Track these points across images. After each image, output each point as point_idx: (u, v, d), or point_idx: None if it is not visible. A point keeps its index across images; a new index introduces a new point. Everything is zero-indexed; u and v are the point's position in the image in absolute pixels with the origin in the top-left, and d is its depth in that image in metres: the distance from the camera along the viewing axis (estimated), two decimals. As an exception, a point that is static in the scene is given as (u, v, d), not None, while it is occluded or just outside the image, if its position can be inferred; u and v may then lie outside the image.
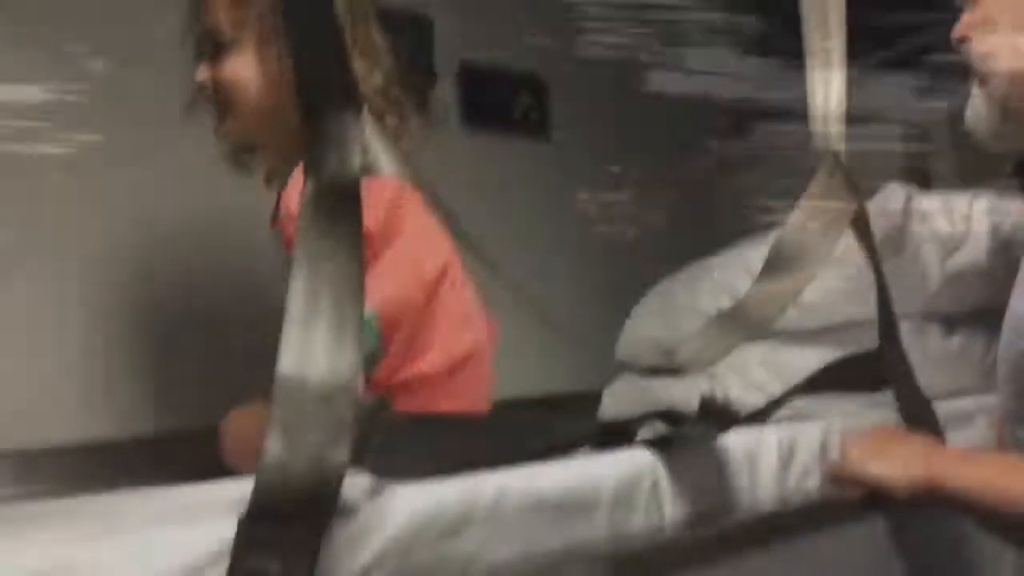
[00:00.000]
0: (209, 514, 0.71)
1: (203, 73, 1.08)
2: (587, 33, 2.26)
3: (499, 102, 2.12)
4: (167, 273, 1.59)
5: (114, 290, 1.54)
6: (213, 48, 1.09)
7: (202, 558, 0.63)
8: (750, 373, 1.52)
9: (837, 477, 1.01)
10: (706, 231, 2.42)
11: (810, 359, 1.36)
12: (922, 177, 2.04)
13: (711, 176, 2.56)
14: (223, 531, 0.64)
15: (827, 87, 1.12)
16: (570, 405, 1.51)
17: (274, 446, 0.66)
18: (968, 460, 0.94)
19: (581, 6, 2.25)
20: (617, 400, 1.64)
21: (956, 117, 2.00)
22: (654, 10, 2.24)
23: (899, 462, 0.96)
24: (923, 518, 1.11)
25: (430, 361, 1.07)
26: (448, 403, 1.09)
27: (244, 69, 1.08)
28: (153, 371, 1.55)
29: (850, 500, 1.01)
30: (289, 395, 0.68)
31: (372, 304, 1.03)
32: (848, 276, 1.35)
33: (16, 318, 1.44)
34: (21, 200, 1.45)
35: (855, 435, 1.05)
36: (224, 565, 0.63)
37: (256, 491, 0.65)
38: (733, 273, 1.58)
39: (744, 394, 1.52)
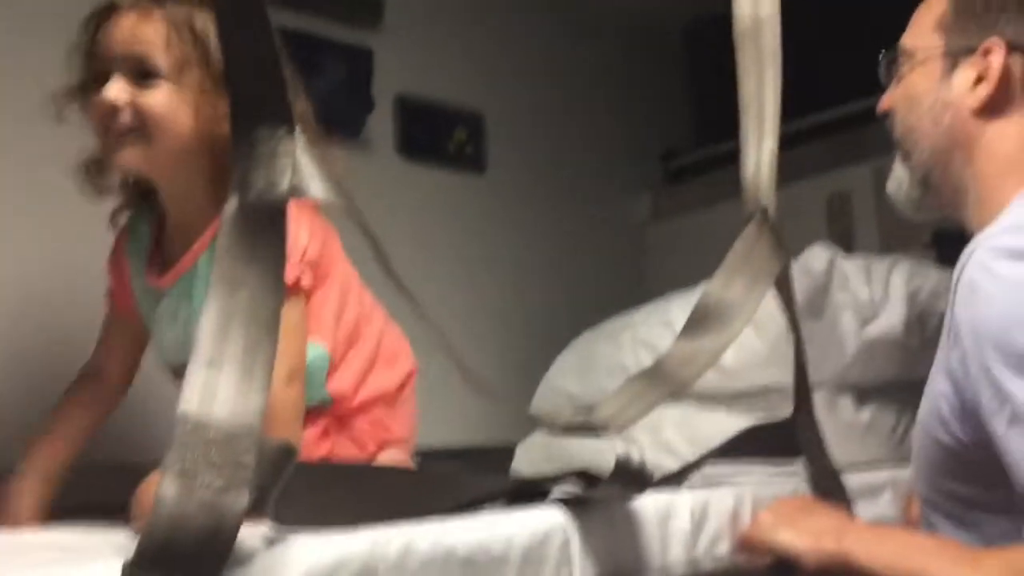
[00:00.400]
0: (97, 557, 0.67)
1: (121, 93, 1.03)
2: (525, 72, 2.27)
3: (435, 134, 2.11)
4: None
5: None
6: (133, 73, 1.04)
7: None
8: (663, 434, 1.51)
9: (747, 544, 1.01)
10: (635, 282, 2.44)
11: (723, 424, 1.35)
12: (845, 243, 2.08)
13: (644, 224, 2.58)
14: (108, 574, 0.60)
15: (760, 144, 1.12)
16: (485, 458, 1.49)
17: (168, 489, 0.62)
18: (879, 537, 0.94)
19: (521, 43, 2.26)
20: (531, 456, 1.62)
21: (879, 184, 2.06)
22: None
23: (809, 533, 0.96)
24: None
25: (385, 378, 1.18)
26: (397, 425, 1.18)
27: (180, 105, 1.04)
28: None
29: (759, 567, 1.01)
30: (187, 436, 0.64)
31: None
32: (768, 340, 1.36)
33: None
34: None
35: (767, 503, 1.04)
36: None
37: (145, 535, 0.61)
38: (655, 329, 1.58)
39: (655, 455, 1.52)
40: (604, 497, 0.89)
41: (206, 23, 1.04)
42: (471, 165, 2.16)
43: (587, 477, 0.90)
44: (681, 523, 0.96)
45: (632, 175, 2.54)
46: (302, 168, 0.75)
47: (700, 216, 2.35)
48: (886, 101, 1.14)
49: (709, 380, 1.44)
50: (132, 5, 1.07)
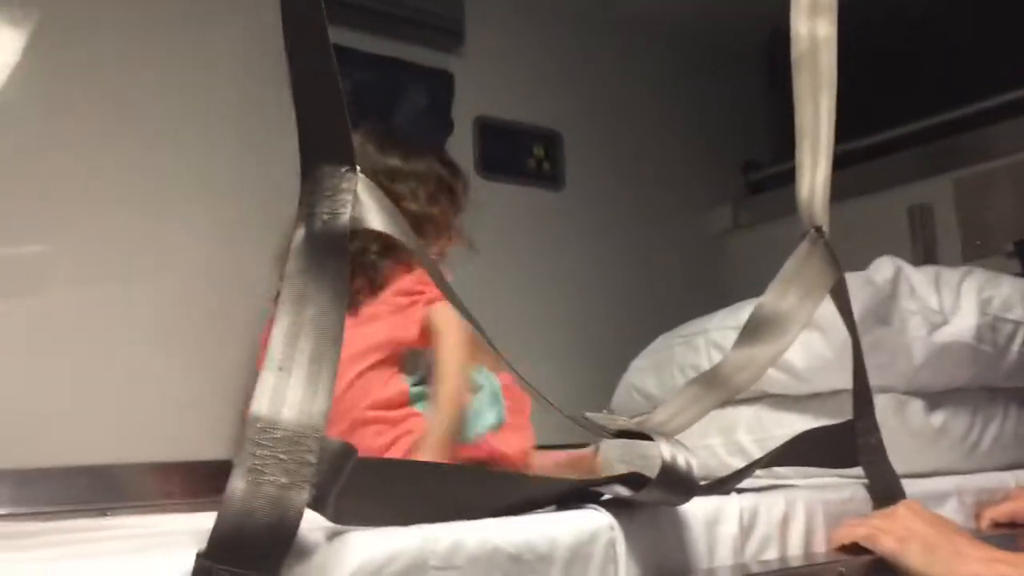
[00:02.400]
0: (175, 545, 0.75)
1: None
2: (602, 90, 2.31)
3: (514, 153, 2.18)
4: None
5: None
6: None
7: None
8: (735, 435, 1.54)
9: (846, 546, 1.02)
10: (716, 292, 2.46)
11: (795, 426, 1.37)
12: (928, 253, 2.06)
13: (725, 235, 2.60)
14: (184, 563, 0.68)
15: (814, 164, 1.15)
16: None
17: (238, 484, 0.69)
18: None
19: (598, 61, 2.31)
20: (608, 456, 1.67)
21: (960, 195, 2.03)
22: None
23: (956, 560, 0.95)
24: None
25: (517, 444, 1.26)
26: None
27: None
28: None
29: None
30: (257, 435, 0.71)
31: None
32: (834, 345, 1.38)
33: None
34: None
35: (821, 508, 1.07)
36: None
37: (216, 526, 0.68)
38: (727, 333, 1.61)
39: (726, 455, 1.55)
40: (650, 500, 0.93)
41: None
42: (549, 182, 2.22)
43: (635, 481, 0.94)
44: (729, 528, 0.99)
45: (713, 187, 2.56)
46: (362, 202, 0.82)
47: (779, 226, 2.35)
48: None
49: (781, 383, 1.47)
50: None
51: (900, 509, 1.06)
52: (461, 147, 2.10)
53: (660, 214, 2.43)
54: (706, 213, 2.57)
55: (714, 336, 1.67)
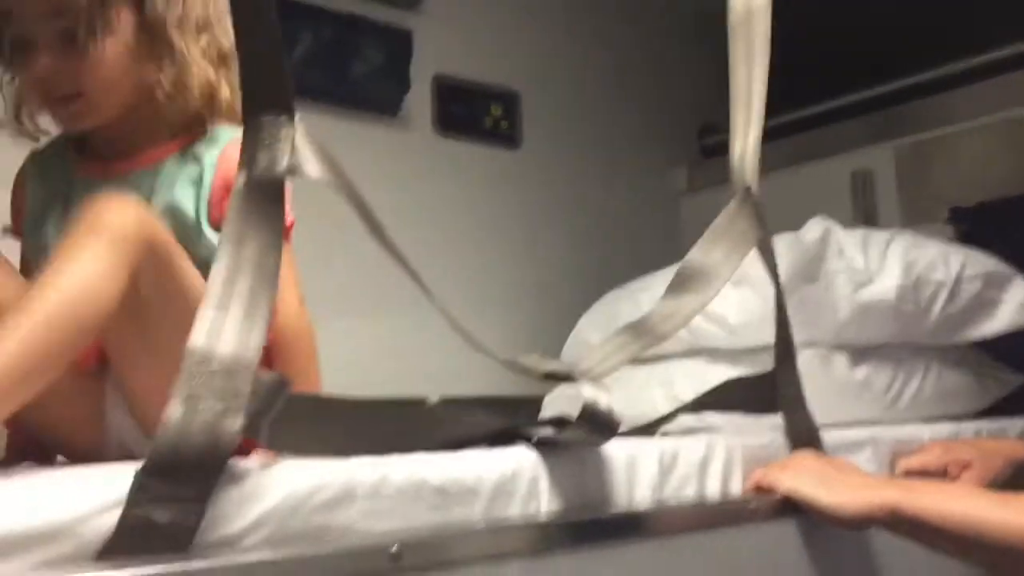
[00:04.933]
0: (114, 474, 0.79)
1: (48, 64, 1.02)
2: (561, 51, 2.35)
3: (471, 111, 2.21)
4: None
5: None
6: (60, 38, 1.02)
7: (98, 505, 0.71)
8: (674, 388, 1.61)
9: (760, 490, 1.09)
10: (670, 253, 2.51)
11: (730, 376, 1.44)
12: (869, 218, 2.13)
13: (679, 196, 2.65)
14: (122, 484, 0.72)
15: (747, 127, 1.21)
16: (517, 408, 1.60)
17: (175, 411, 0.74)
18: (920, 488, 1.01)
19: (557, 22, 2.34)
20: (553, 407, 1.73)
21: (901, 163, 2.10)
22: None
23: (846, 487, 1.03)
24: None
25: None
26: None
27: (116, 63, 1.04)
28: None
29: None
30: (195, 366, 0.76)
31: None
32: (766, 300, 1.44)
33: None
34: None
35: (739, 452, 1.13)
36: (118, 512, 0.71)
37: (154, 448, 0.73)
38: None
39: (665, 405, 1.61)
40: (572, 440, 0.99)
41: None
42: (506, 141, 2.26)
43: (560, 422, 1.00)
44: (648, 468, 1.05)
45: (669, 149, 2.61)
46: (300, 151, 0.87)
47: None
48: None
49: (715, 337, 1.54)
50: None
51: (798, 455, 1.14)
52: (419, 105, 2.13)
53: (615, 175, 2.48)
54: (661, 174, 2.62)
55: (658, 292, 1.72)
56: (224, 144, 1.08)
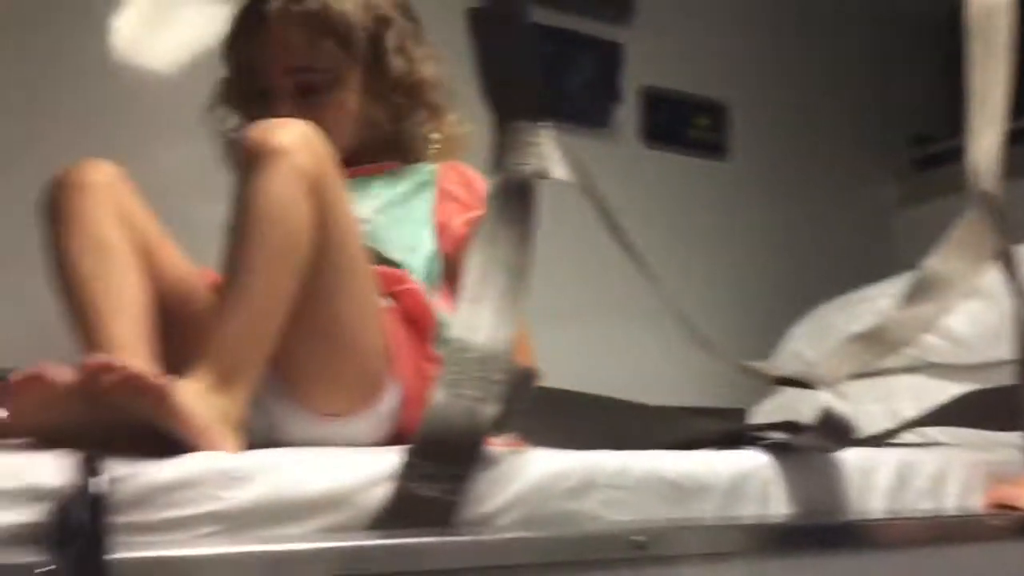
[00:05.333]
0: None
1: (289, 111, 1.12)
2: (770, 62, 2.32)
3: (679, 122, 2.22)
4: None
5: None
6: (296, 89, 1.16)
7: (371, 478, 0.77)
8: (894, 403, 1.56)
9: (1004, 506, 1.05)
10: (882, 268, 2.43)
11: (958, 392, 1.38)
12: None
13: (891, 210, 2.55)
14: (388, 462, 0.79)
15: (985, 129, 1.16)
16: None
17: (439, 397, 0.80)
18: None
19: (767, 33, 2.32)
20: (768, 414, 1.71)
21: None
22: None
23: None
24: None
25: None
26: None
27: (350, 102, 1.19)
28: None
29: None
30: (454, 356, 0.82)
31: None
32: (1001, 314, 1.38)
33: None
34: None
35: (976, 469, 1.09)
36: (389, 486, 0.77)
37: (421, 429, 0.79)
38: (888, 302, 1.62)
39: (884, 420, 1.56)
40: (806, 445, 0.98)
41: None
42: (713, 152, 2.25)
43: (793, 428, 1.00)
44: (885, 478, 1.03)
45: (882, 160, 2.52)
46: (548, 154, 0.91)
47: (950, 202, 2.31)
48: None
49: (943, 351, 1.48)
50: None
51: None
52: (627, 117, 2.16)
53: (823, 187, 2.42)
54: (873, 186, 2.53)
55: (877, 304, 1.68)
56: (437, 164, 1.25)
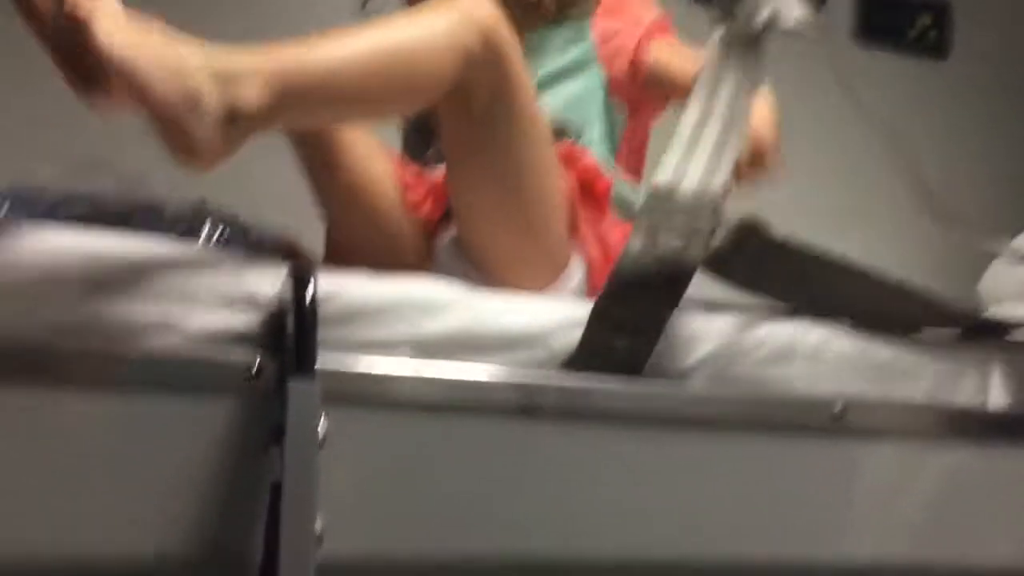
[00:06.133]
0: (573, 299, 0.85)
1: None
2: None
3: (897, 21, 2.07)
4: None
5: None
6: None
7: (565, 321, 0.76)
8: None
9: None
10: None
11: None
12: None
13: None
14: (584, 308, 0.77)
15: None
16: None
17: (635, 243, 0.77)
18: None
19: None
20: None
21: None
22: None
23: None
24: None
25: None
26: None
27: None
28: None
29: None
30: (657, 202, 0.78)
31: None
32: None
33: None
34: None
35: None
36: (576, 334, 0.75)
37: (614, 273, 0.76)
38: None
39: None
40: (1030, 335, 0.90)
41: None
42: (933, 52, 2.09)
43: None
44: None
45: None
46: (779, 3, 0.85)
47: None
48: None
49: None
50: None
51: None
52: (837, 12, 2.02)
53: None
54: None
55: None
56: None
